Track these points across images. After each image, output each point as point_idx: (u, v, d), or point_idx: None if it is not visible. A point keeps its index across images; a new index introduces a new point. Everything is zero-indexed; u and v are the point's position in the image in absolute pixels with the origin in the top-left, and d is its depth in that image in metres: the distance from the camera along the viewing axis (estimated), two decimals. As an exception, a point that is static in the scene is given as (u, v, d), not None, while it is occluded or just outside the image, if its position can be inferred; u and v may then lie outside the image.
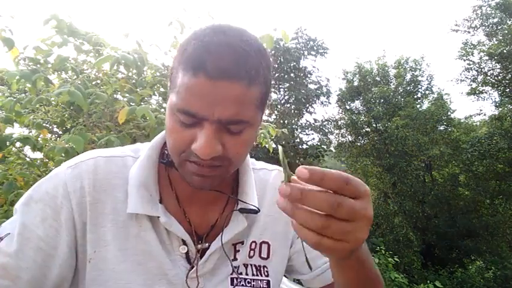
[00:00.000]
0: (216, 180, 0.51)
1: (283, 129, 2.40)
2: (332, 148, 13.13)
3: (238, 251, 0.60)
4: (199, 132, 0.46)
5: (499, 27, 10.70)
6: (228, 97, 0.44)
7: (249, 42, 0.46)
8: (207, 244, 0.57)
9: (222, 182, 0.55)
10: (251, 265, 0.61)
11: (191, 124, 0.46)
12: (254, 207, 0.59)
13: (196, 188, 0.51)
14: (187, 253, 0.56)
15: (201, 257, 0.57)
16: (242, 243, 0.61)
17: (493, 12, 10.85)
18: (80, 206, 0.52)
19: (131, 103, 1.52)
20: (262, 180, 0.67)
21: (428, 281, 6.71)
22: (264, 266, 0.62)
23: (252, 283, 0.60)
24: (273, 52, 11.24)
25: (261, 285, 0.60)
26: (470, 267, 10.74)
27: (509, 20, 10.65)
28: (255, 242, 0.62)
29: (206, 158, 0.46)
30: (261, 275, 0.61)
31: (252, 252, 0.62)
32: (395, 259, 6.77)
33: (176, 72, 0.48)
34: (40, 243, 0.49)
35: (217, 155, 0.46)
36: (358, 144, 13.16)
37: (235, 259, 0.60)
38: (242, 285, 0.59)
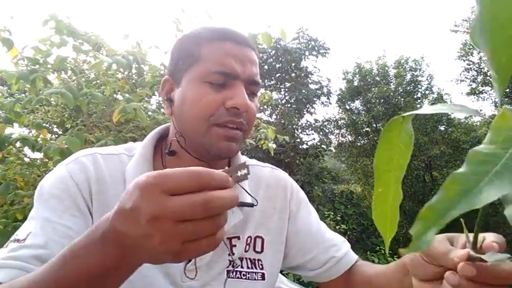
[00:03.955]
0: (237, 148, 0.56)
1: (284, 137, 2.41)
2: (332, 148, 13.10)
3: (235, 245, 0.62)
4: (232, 91, 0.53)
5: (499, 27, 10.68)
6: (251, 60, 0.56)
7: None
8: None
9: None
10: (246, 259, 0.63)
11: (222, 86, 0.53)
12: (250, 201, 0.61)
13: (223, 155, 0.55)
14: None
15: None
16: (238, 238, 0.63)
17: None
18: (89, 195, 0.54)
19: (130, 103, 1.52)
20: (256, 176, 0.69)
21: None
22: (259, 260, 0.64)
23: (248, 275, 0.62)
24: (273, 52, 11.20)
25: (256, 278, 0.62)
26: (471, 267, 10.70)
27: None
28: (250, 236, 0.64)
29: (245, 109, 0.52)
30: (256, 268, 0.63)
31: (247, 246, 0.63)
32: (395, 259, 6.76)
33: (191, 48, 0.56)
34: (68, 231, 0.49)
35: (250, 109, 0.54)
36: (358, 144, 13.13)
37: (232, 253, 0.61)
38: (238, 277, 0.61)
